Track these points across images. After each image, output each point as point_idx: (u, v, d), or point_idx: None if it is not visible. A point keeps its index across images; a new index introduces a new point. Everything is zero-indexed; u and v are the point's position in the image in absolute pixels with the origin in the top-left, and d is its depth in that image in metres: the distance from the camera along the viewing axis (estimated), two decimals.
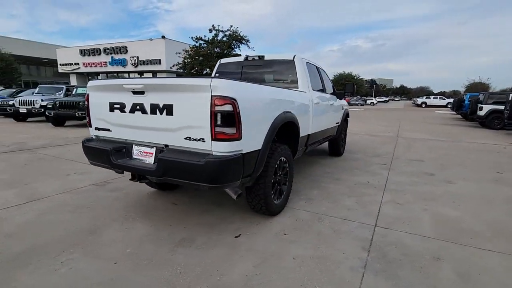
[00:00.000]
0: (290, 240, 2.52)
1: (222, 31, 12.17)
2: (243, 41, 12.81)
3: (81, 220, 2.84)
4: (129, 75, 27.00)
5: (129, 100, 2.46)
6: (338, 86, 32.17)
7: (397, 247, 2.43)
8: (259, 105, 2.43)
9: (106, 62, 26.89)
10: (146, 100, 2.36)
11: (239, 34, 12.61)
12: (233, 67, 4.32)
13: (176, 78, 2.31)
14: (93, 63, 27.73)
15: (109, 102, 2.59)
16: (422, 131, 11.08)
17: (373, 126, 12.77)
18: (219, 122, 2.07)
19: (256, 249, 2.37)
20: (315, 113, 3.96)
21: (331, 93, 5.16)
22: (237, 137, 2.15)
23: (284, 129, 3.06)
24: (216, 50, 11.76)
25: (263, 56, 4.12)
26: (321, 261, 2.21)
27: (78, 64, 28.57)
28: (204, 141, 2.15)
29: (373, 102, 51.40)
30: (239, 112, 2.12)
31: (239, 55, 12.44)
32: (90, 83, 2.74)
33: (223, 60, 4.46)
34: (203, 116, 2.09)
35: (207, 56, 11.18)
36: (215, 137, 2.10)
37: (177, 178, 2.25)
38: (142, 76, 19.92)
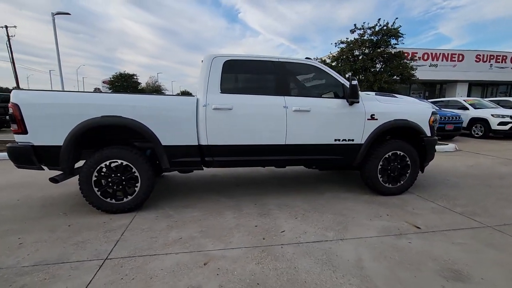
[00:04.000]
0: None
1: (370, 28, 9.80)
2: (399, 34, 9.38)
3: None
4: None
5: None
6: None
7: None
8: (48, 110, 2.92)
9: None
10: None
11: (391, 27, 9.39)
12: None
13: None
14: None
15: None
16: None
17: None
18: (11, 120, 2.97)
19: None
20: (223, 121, 3.25)
21: (323, 96, 3.58)
22: (21, 131, 2.92)
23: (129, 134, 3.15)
24: (363, 50, 9.73)
25: None
26: None
27: None
28: None
29: None
30: (20, 113, 2.88)
31: (389, 53, 9.43)
32: None
33: None
34: None
35: (348, 60, 9.55)
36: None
37: None
38: None
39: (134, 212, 3.24)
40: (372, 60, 8.55)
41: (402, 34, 8.92)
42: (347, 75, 9.22)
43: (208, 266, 2.18)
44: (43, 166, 3.10)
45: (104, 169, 3.11)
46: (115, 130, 3.19)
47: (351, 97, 3.33)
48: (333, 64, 9.53)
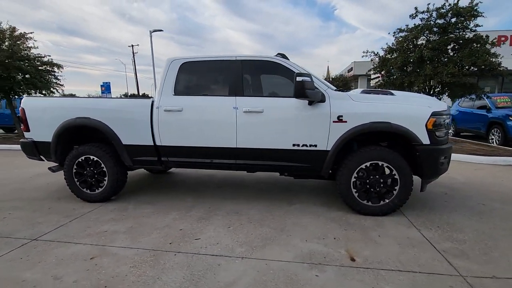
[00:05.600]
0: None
1: (436, 10, 7.42)
2: (476, 13, 6.66)
3: None
4: None
5: None
6: None
7: None
8: (42, 113, 3.56)
9: None
10: None
11: (465, 6, 6.73)
12: None
13: None
14: None
15: None
16: None
17: None
18: (20, 120, 3.77)
19: None
20: (174, 122, 3.32)
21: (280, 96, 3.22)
22: (26, 130, 3.68)
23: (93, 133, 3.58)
24: (428, 38, 7.52)
25: None
26: None
27: None
28: None
29: None
30: (25, 115, 3.64)
31: (462, 38, 7.04)
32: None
33: None
34: None
35: (406, 50, 7.55)
36: None
37: None
38: None
39: (103, 202, 3.63)
40: (435, 49, 6.90)
41: (479, 13, 6.74)
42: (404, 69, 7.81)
43: (92, 261, 2.29)
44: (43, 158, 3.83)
45: (81, 163, 3.61)
46: (88, 130, 3.64)
47: (297, 95, 2.85)
48: (387, 56, 8.13)
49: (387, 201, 3.04)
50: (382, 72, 8.31)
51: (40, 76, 9.96)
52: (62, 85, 11.19)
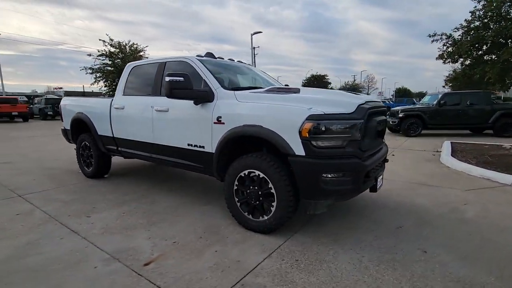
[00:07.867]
0: None
1: None
2: None
3: None
4: None
5: None
6: None
7: None
8: (67, 108, 4.91)
9: None
10: None
11: None
12: None
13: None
14: None
15: None
16: None
17: None
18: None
19: None
20: (119, 118, 3.95)
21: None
22: (62, 120, 5.17)
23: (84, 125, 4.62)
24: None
25: None
26: None
27: None
28: None
29: None
30: (61, 110, 5.12)
31: None
32: None
33: None
34: None
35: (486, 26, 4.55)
36: None
37: None
38: None
39: (96, 179, 4.65)
40: None
41: None
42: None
43: (16, 216, 3.16)
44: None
45: (83, 147, 4.77)
46: (84, 123, 4.71)
47: (166, 95, 2.83)
48: (460, 38, 5.78)
49: (265, 218, 2.62)
50: (461, 60, 6.28)
51: None
52: None
